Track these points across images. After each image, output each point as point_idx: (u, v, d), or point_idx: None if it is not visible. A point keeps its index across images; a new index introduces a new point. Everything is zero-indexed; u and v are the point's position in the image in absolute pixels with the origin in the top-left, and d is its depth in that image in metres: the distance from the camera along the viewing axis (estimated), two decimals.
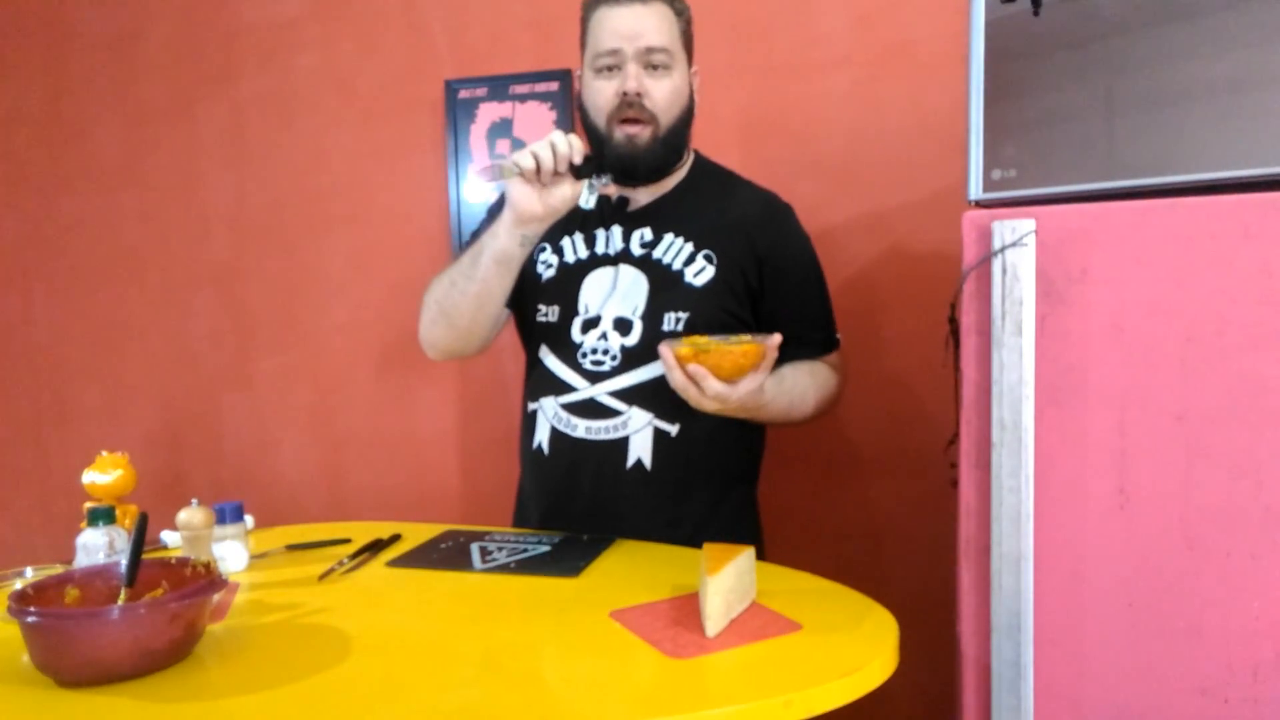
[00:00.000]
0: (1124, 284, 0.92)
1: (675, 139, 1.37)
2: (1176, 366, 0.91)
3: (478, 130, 2.05)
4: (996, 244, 0.95)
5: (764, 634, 0.98)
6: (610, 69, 1.32)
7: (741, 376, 1.15)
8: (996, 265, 0.95)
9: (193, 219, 2.30)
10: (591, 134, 1.37)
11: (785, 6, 1.85)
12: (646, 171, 1.37)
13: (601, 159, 1.32)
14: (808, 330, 1.41)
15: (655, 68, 1.31)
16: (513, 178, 1.26)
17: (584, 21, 1.37)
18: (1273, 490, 0.88)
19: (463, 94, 2.05)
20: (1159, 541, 0.92)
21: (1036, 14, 0.98)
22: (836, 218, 1.84)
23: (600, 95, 1.33)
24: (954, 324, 1.08)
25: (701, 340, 1.17)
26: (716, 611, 0.98)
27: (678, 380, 1.16)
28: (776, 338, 1.17)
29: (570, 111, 1.98)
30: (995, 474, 0.97)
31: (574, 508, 1.41)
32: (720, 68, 1.90)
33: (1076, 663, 0.96)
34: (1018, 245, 0.95)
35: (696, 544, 1.32)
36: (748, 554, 1.07)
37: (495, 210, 1.47)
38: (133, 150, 2.33)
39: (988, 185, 1.02)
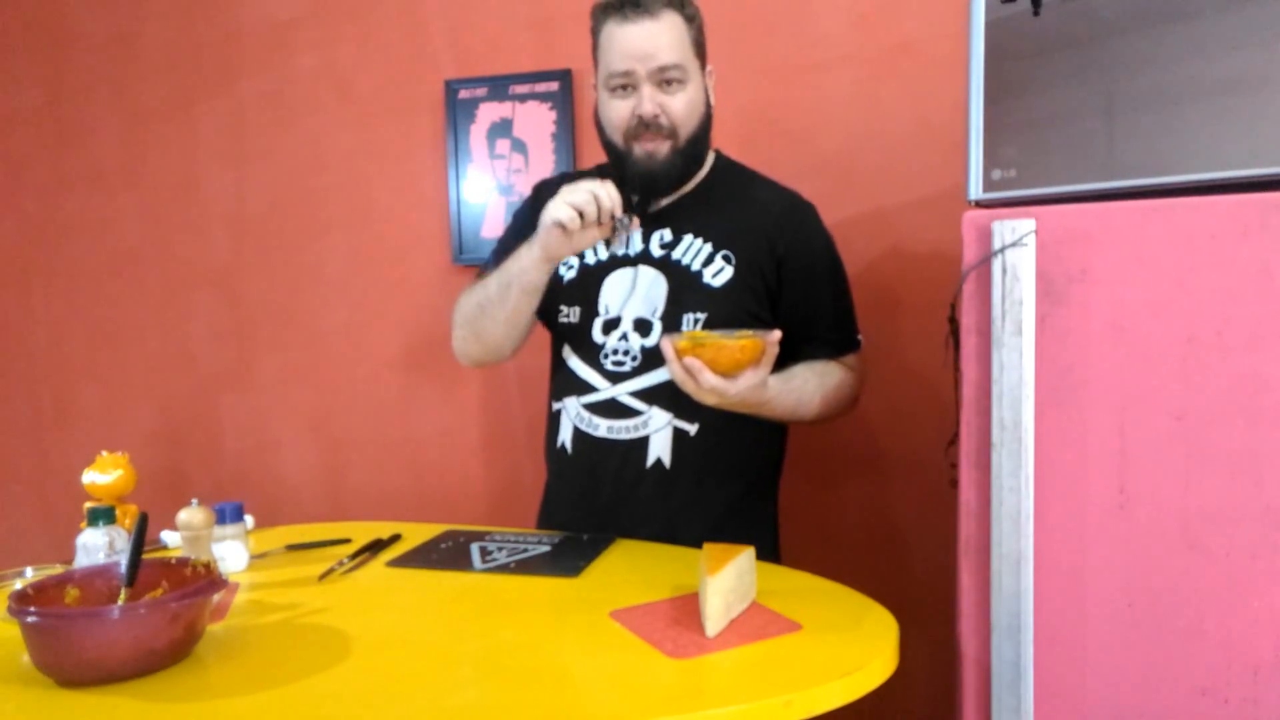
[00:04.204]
0: (1124, 284, 0.92)
1: (695, 148, 1.37)
2: (1176, 366, 0.91)
3: (478, 130, 2.05)
4: (996, 244, 0.95)
5: (764, 634, 0.98)
6: (624, 88, 1.31)
7: (740, 371, 1.16)
8: (996, 265, 0.95)
9: (193, 219, 2.30)
10: (609, 149, 1.38)
11: (785, 6, 1.85)
12: (668, 184, 1.37)
13: (622, 175, 1.34)
14: (823, 330, 1.41)
15: (669, 83, 1.30)
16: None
17: (594, 33, 1.35)
18: (1273, 490, 0.88)
19: (463, 94, 2.05)
20: (1159, 541, 0.92)
21: (1036, 14, 0.98)
22: (837, 217, 1.83)
23: (616, 114, 1.33)
24: (954, 324, 1.08)
25: (701, 334, 1.19)
26: (716, 611, 0.98)
27: (676, 373, 1.18)
28: (776, 334, 1.17)
29: (570, 111, 1.98)
30: (995, 474, 0.97)
31: (595, 506, 1.42)
32: (720, 68, 1.89)
33: (1076, 663, 0.96)
34: (1018, 245, 0.95)
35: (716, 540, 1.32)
36: (748, 554, 1.07)
37: (521, 217, 1.50)
38: (133, 150, 2.33)
39: (988, 185, 1.02)
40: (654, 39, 1.28)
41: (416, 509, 2.16)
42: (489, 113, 2.04)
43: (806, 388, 1.33)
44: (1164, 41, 0.93)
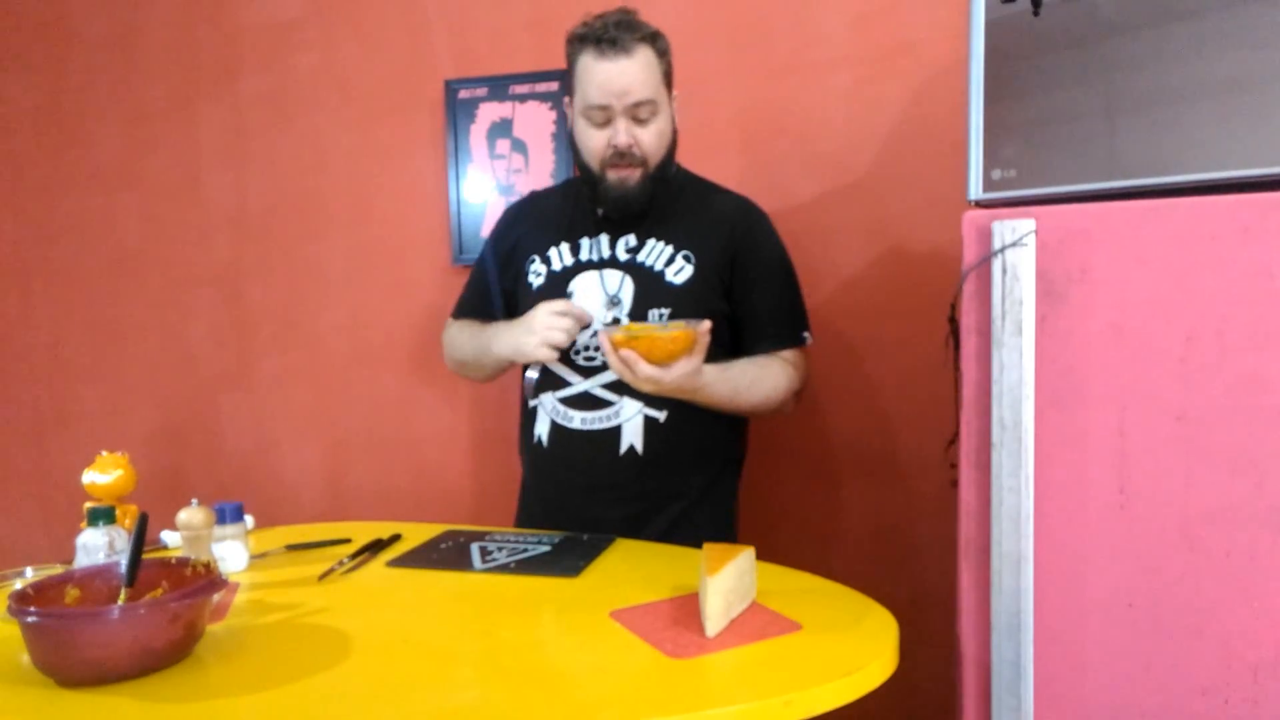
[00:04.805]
0: (1124, 284, 0.92)
1: (662, 172, 1.46)
2: (1176, 366, 0.91)
3: (478, 130, 2.05)
4: (996, 244, 0.95)
5: (764, 634, 0.98)
6: (600, 120, 1.40)
7: (673, 361, 1.24)
8: (996, 265, 0.95)
9: (193, 219, 2.30)
10: (584, 170, 1.48)
11: (785, 6, 1.85)
12: (639, 207, 1.45)
13: (594, 196, 1.46)
14: (767, 325, 1.49)
15: (641, 117, 1.40)
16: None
17: (570, 60, 1.42)
18: (1273, 490, 0.88)
19: (463, 94, 2.05)
20: (1159, 541, 0.92)
21: (1036, 14, 0.98)
22: (836, 217, 1.84)
23: (593, 141, 1.42)
24: (954, 324, 1.08)
25: (636, 327, 1.26)
26: (716, 611, 0.98)
27: (614, 364, 1.26)
28: (705, 324, 1.26)
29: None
30: (995, 474, 0.97)
31: (573, 494, 1.48)
32: (720, 68, 1.90)
33: (1076, 663, 0.96)
34: (1018, 245, 0.95)
35: (687, 524, 1.44)
36: (748, 554, 1.07)
37: (492, 241, 1.63)
38: (133, 150, 2.33)
39: (988, 185, 1.02)
40: (628, 76, 1.36)
41: (416, 509, 2.16)
42: (489, 113, 2.04)
43: (743, 379, 1.41)
44: (1164, 41, 0.93)
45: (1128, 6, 0.95)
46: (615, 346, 1.24)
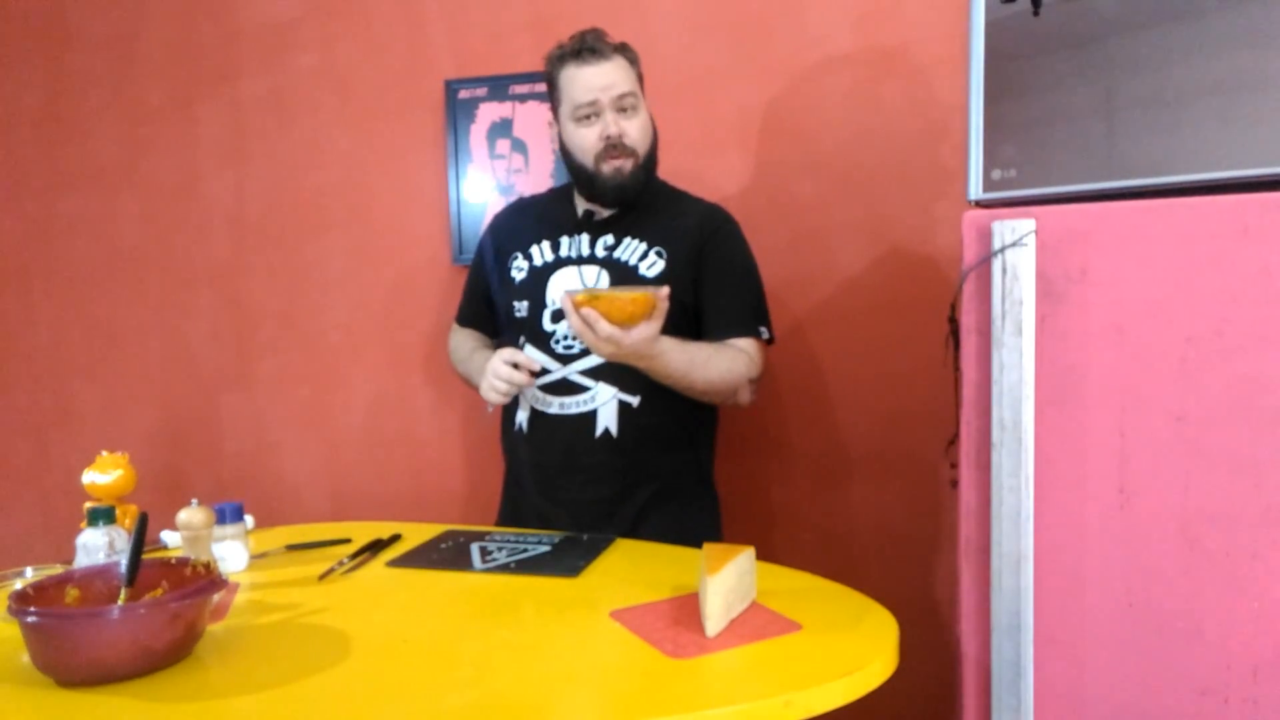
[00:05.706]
0: (1124, 284, 0.93)
1: (651, 164, 1.57)
2: (1176, 366, 0.91)
3: (478, 130, 2.05)
4: (996, 244, 0.95)
5: (764, 634, 0.98)
6: (589, 117, 1.51)
7: (634, 324, 1.27)
8: (996, 265, 0.96)
9: (193, 219, 2.30)
10: (578, 172, 1.56)
11: (785, 6, 1.85)
12: (633, 195, 1.54)
13: (590, 193, 1.56)
14: (727, 314, 1.56)
15: (626, 110, 1.51)
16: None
17: (552, 78, 1.55)
18: (1273, 490, 0.88)
19: (463, 94, 2.05)
20: (1159, 541, 0.92)
21: (1036, 14, 0.98)
22: (836, 218, 1.84)
23: (585, 140, 1.52)
24: (954, 324, 1.08)
25: (597, 289, 1.30)
26: (716, 611, 0.98)
27: (575, 324, 1.28)
28: (664, 290, 1.29)
29: None
30: (995, 474, 0.97)
31: (549, 478, 1.55)
32: (720, 68, 1.90)
33: (1076, 663, 0.96)
34: (1018, 245, 0.95)
35: (659, 508, 1.50)
36: (748, 554, 1.08)
37: (481, 249, 1.74)
38: (133, 150, 2.33)
39: (988, 185, 1.02)
40: (610, 74, 1.49)
41: (416, 509, 2.16)
42: (489, 113, 2.04)
43: (700, 355, 1.45)
44: (1164, 41, 0.93)
45: (1128, 6, 0.95)
46: (577, 306, 1.27)
